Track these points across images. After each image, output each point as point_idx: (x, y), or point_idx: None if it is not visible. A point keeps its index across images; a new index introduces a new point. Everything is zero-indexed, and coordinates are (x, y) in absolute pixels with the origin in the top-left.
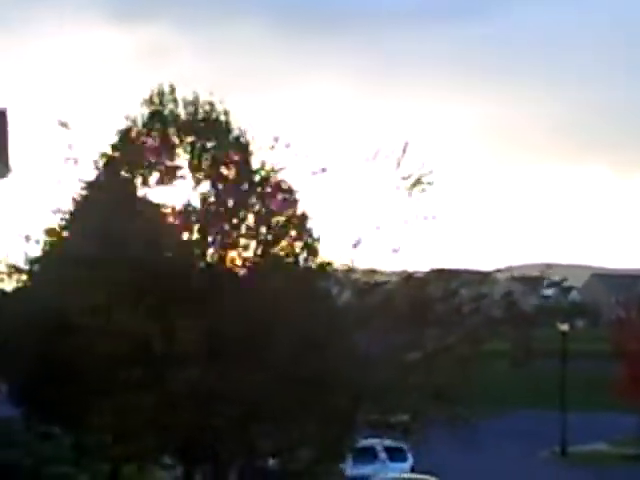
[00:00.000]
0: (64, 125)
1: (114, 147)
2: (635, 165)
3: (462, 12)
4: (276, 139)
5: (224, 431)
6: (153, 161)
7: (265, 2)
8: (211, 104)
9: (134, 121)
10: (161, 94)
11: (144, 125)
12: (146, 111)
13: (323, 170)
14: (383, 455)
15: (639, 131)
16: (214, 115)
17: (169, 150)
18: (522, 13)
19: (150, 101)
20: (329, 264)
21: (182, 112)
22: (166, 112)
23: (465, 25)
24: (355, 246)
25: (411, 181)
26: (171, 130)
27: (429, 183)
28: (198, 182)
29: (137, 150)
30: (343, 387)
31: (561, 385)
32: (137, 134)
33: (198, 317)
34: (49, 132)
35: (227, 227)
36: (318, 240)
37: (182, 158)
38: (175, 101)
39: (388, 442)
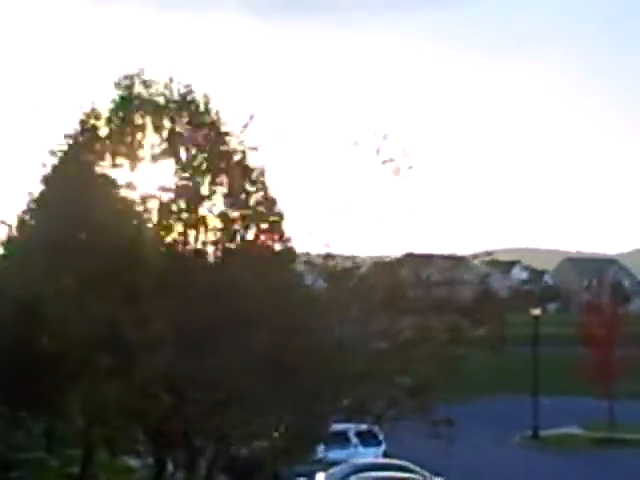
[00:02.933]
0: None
1: (73, 136)
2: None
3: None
4: (250, 118)
5: (196, 417)
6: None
7: None
8: (188, 87)
9: (93, 109)
10: (130, 78)
11: (113, 110)
12: (116, 94)
13: (294, 148)
14: (355, 440)
15: None
16: (190, 97)
17: (139, 134)
18: None
19: (119, 85)
20: (297, 249)
21: (154, 95)
22: (135, 95)
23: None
24: (327, 231)
25: (393, 167)
26: (140, 114)
27: (409, 167)
28: (172, 164)
29: (101, 137)
30: (317, 374)
31: (533, 369)
32: (103, 120)
33: (168, 302)
34: (23, 112)
35: (198, 210)
36: (283, 221)
37: (153, 141)
38: (146, 84)
39: (361, 427)
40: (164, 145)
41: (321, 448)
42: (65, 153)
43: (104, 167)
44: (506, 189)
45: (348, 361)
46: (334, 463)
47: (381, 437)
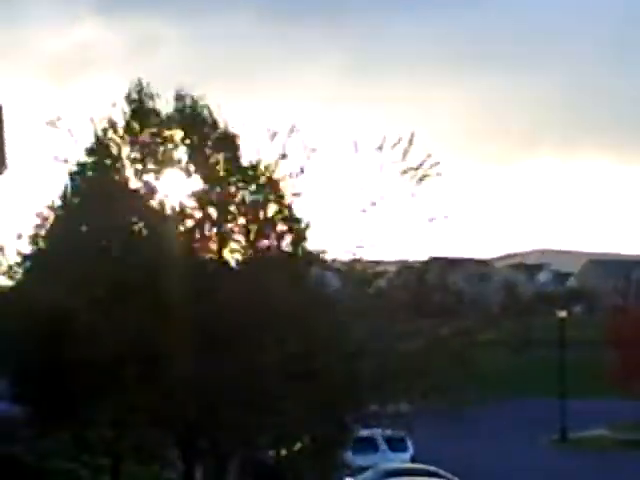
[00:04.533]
0: (52, 124)
1: (91, 150)
2: (632, 153)
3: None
4: (268, 131)
5: (223, 423)
6: (139, 154)
7: None
8: (195, 100)
9: (111, 121)
10: (140, 91)
11: (127, 123)
12: (126, 108)
13: (305, 163)
14: (383, 445)
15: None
16: (198, 111)
17: (156, 144)
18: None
19: (129, 98)
20: (322, 254)
21: (164, 107)
22: (146, 108)
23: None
24: (351, 236)
25: (417, 173)
26: (153, 126)
27: (438, 174)
28: (189, 176)
29: (119, 147)
30: (341, 377)
31: (560, 372)
32: (118, 131)
33: (193, 311)
34: (41, 129)
35: (218, 221)
36: (307, 229)
37: (171, 153)
38: (152, 97)
39: (388, 432)
40: (184, 156)
41: (349, 454)
42: (88, 164)
43: (128, 177)
44: (528, 191)
45: (371, 363)
46: (362, 469)
47: (409, 442)
